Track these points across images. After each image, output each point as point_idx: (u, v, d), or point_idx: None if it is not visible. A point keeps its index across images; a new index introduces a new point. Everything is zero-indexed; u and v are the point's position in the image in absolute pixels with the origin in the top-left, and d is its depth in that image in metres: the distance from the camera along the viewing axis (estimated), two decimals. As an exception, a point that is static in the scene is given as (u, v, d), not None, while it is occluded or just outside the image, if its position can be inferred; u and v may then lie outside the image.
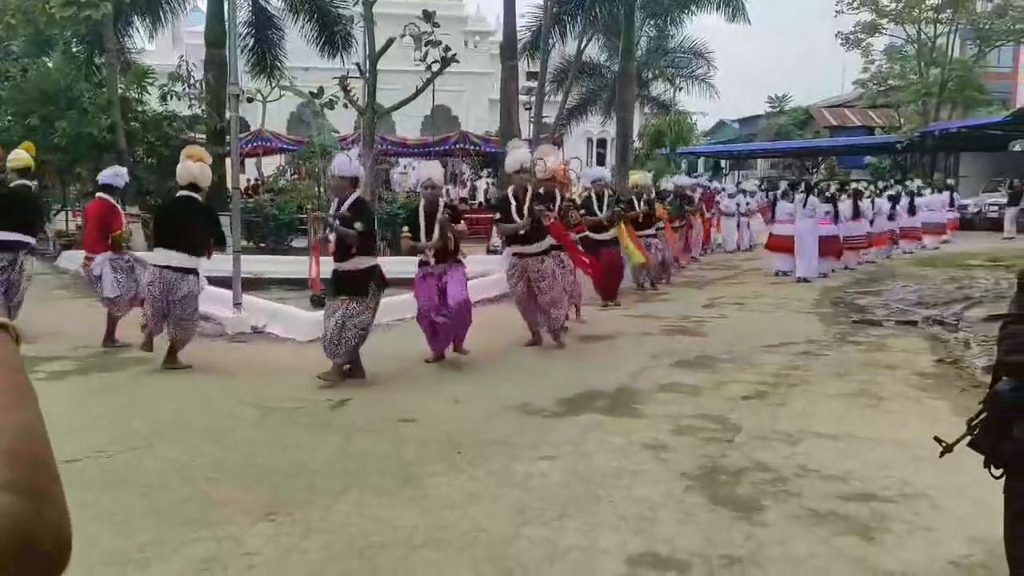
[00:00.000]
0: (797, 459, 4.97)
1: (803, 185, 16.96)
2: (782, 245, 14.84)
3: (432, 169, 8.77)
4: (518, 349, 8.40)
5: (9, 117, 17.92)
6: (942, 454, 2.65)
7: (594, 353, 8.35)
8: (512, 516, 4.11)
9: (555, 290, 8.26)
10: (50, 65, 19.19)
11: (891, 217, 18.24)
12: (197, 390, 6.62)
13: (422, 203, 7.62)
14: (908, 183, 23.11)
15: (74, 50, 19.71)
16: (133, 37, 22.86)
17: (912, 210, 19.88)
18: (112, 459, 4.90)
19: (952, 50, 36.02)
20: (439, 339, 7.65)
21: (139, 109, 18.52)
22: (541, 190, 8.66)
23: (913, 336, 9.16)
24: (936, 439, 2.66)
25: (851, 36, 36.64)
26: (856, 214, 16.09)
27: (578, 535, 3.89)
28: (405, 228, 7.57)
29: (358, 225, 6.69)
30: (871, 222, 16.97)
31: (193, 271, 7.30)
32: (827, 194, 15.67)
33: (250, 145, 27.18)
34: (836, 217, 14.89)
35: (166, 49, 32.85)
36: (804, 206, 14.44)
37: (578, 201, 11.16)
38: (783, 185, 19.83)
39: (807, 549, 3.75)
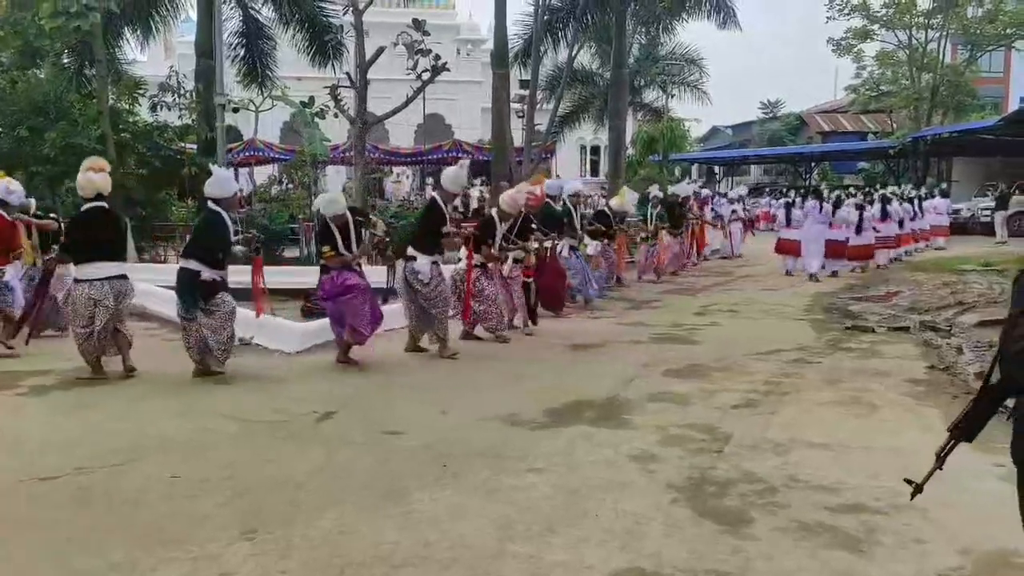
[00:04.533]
0: (787, 469, 4.91)
1: (814, 192, 18.48)
2: (789, 248, 16.41)
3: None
4: (506, 359, 8.33)
5: None
6: (912, 496, 2.61)
7: (583, 362, 8.28)
8: (497, 531, 4.03)
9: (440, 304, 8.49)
10: (41, 76, 19.13)
11: (912, 218, 19.73)
12: (180, 404, 6.53)
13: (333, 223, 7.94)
14: (910, 188, 23.67)
15: (64, 61, 19.64)
16: (124, 48, 22.79)
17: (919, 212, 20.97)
18: (91, 476, 4.81)
19: (943, 55, 36.09)
20: None
21: (130, 120, 18.44)
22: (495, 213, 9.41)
23: (906, 342, 9.12)
24: (906, 481, 2.61)
25: (842, 42, 36.67)
26: (884, 217, 17.48)
27: (563, 551, 3.82)
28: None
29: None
30: (900, 224, 18.41)
31: (127, 276, 7.61)
32: (832, 201, 16.76)
33: (243, 155, 27.13)
34: (830, 223, 15.95)
35: (159, 59, 32.82)
36: (819, 211, 15.85)
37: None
38: (792, 194, 20.68)
39: (795, 563, 3.68)
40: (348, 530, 4.05)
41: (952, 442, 2.47)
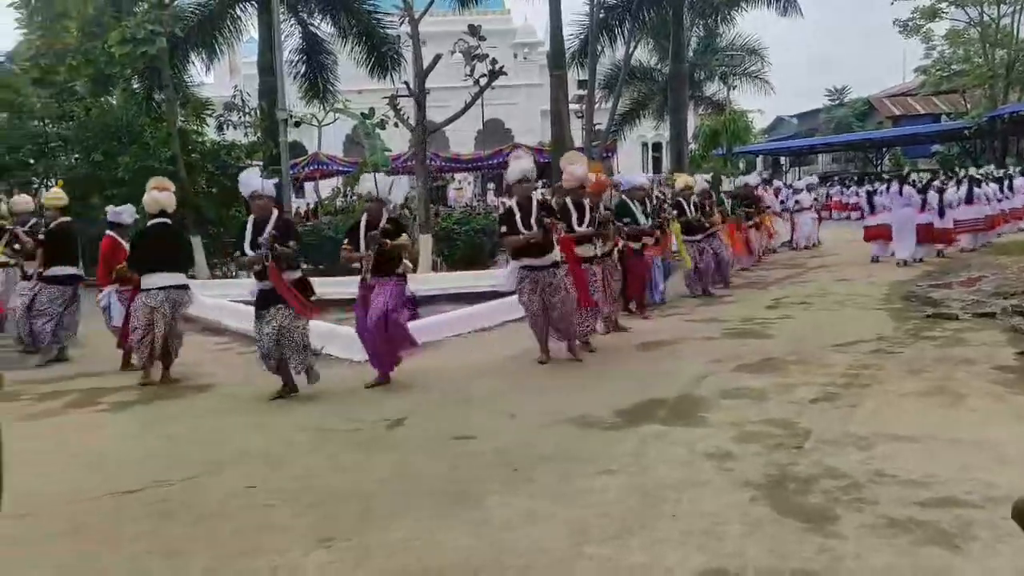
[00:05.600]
0: (872, 464, 4.71)
1: (898, 178, 18.35)
2: (878, 234, 16.36)
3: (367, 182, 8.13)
4: (574, 361, 8.23)
5: (76, 155, 18.53)
6: None
7: (654, 360, 8.15)
8: (571, 535, 3.96)
9: (568, 304, 7.96)
10: (113, 102, 19.82)
11: (1000, 200, 19.44)
12: (255, 416, 6.63)
13: (363, 218, 7.67)
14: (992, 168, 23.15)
15: (134, 87, 20.30)
16: (190, 71, 23.43)
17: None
18: (170, 488, 4.90)
19: (1018, 30, 34.71)
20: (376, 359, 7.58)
21: (198, 140, 18.95)
22: (567, 200, 8.63)
23: (992, 328, 8.73)
24: None
25: (909, 22, 35.59)
26: (970, 199, 17.25)
27: (641, 553, 3.73)
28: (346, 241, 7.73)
29: (292, 244, 7.11)
30: (989, 204, 18.20)
31: (187, 286, 8.16)
32: (919, 185, 16.82)
33: (307, 169, 27.64)
34: (923, 206, 15.81)
35: (224, 80, 33.71)
36: (900, 195, 15.66)
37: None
38: (876, 181, 20.62)
39: (886, 561, 3.52)
40: (422, 537, 4.04)
41: None
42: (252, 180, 7.23)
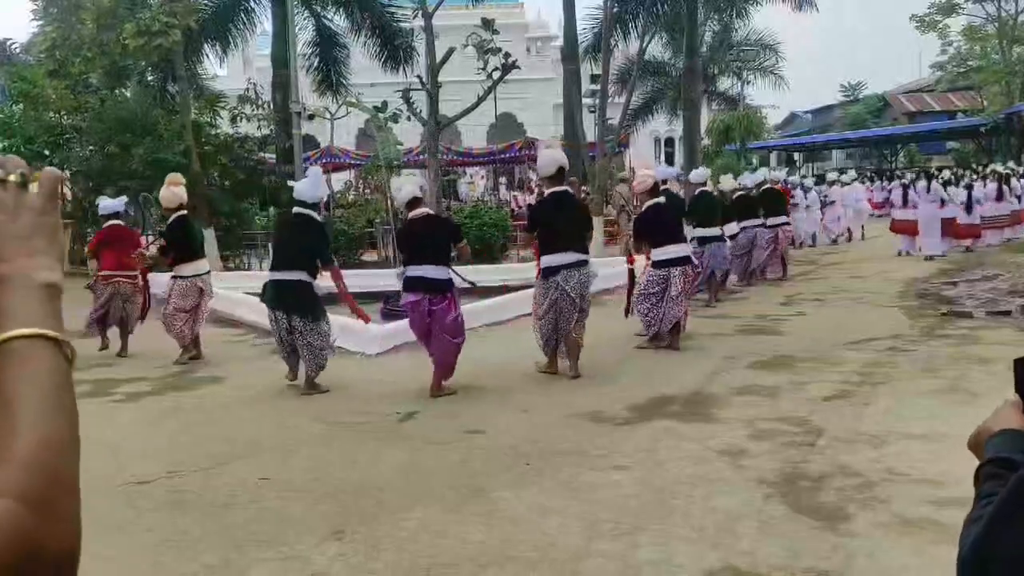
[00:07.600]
0: (885, 462, 4.69)
1: (924, 173, 18.86)
2: (905, 228, 16.51)
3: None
4: (585, 357, 8.19)
5: (90, 147, 18.58)
6: None
7: (666, 357, 8.12)
8: (583, 530, 3.96)
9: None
10: (127, 95, 19.85)
11: None
12: (267, 408, 6.65)
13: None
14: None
15: (148, 79, 20.33)
16: (204, 63, 23.44)
17: None
18: (183, 479, 4.92)
19: (1035, 26, 34.43)
20: None
21: (212, 133, 18.97)
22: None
23: (1007, 327, 8.68)
24: None
25: (926, 18, 35.30)
26: (1000, 196, 17.52)
27: (652, 549, 3.72)
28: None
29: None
30: (1019, 199, 18.50)
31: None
32: (942, 181, 16.96)
33: (320, 162, 27.68)
34: (943, 203, 16.02)
35: (237, 73, 33.73)
36: (928, 191, 15.98)
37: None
38: (908, 176, 21.63)
39: (899, 560, 3.51)
40: (433, 529, 4.04)
41: None
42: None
